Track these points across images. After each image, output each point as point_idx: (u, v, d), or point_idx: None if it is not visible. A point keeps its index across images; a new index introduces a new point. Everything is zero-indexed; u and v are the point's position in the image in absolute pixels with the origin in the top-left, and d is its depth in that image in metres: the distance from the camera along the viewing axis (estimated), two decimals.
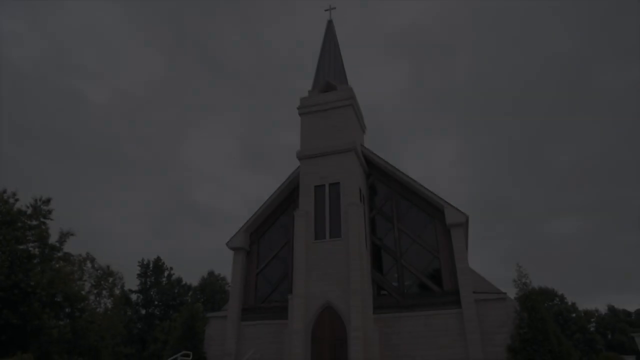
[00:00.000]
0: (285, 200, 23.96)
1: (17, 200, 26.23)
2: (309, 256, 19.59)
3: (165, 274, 50.26)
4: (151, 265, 49.37)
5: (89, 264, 34.27)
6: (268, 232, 23.84)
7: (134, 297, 47.46)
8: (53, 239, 27.11)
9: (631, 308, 70.02)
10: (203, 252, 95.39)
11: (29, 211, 26.18)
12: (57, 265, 26.87)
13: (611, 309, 66.85)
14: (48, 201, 26.85)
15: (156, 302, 48.45)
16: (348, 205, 19.83)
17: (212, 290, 50.11)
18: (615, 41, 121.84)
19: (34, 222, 26.45)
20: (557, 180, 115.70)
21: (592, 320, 64.54)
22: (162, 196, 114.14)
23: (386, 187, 22.68)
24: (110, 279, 35.24)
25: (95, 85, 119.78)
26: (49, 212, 27.01)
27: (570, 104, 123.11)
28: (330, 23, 27.75)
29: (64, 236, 27.07)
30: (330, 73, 24.76)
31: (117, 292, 39.44)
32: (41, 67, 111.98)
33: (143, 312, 47.72)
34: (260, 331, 21.29)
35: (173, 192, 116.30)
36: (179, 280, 50.81)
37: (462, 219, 20.09)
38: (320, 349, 17.82)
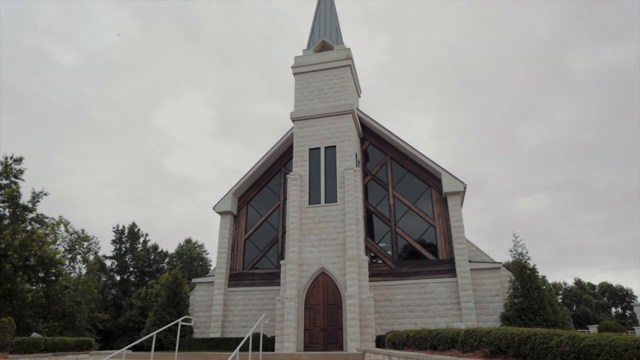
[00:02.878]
0: (275, 164, 23.08)
1: None
2: (302, 221, 18.87)
3: (141, 240, 48.83)
4: (126, 231, 47.82)
5: (62, 228, 32.73)
6: (256, 197, 22.99)
7: (108, 263, 46.06)
8: (25, 200, 25.46)
9: (590, 281, 73.45)
10: (176, 220, 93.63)
11: None
12: (30, 227, 25.34)
13: (578, 282, 69.51)
14: (20, 160, 25.02)
15: (131, 269, 47.19)
16: (345, 170, 19.08)
17: (189, 258, 49.14)
18: (589, 26, 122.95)
19: (4, 182, 24.69)
20: (527, 158, 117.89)
21: (560, 292, 67.01)
22: (134, 163, 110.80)
23: (381, 152, 22.03)
24: (85, 244, 33.78)
25: (62, 46, 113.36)
26: (21, 171, 25.24)
27: (543, 86, 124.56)
28: None
29: (36, 196, 25.40)
30: (326, 32, 23.53)
31: (91, 257, 38.10)
32: (2, 24, 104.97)
33: (118, 278, 46.46)
34: (249, 297, 20.71)
35: (145, 159, 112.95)
36: (155, 247, 49.51)
37: (459, 187, 19.69)
38: (314, 316, 17.34)
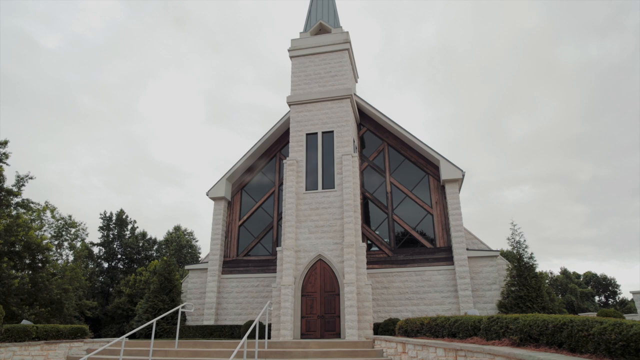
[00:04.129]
0: (270, 149, 22.63)
1: None
2: (299, 207, 18.52)
3: (129, 227, 48.12)
4: (114, 218, 47.04)
5: (48, 214, 31.93)
6: (251, 183, 22.54)
7: (95, 250, 45.32)
8: (9, 184, 24.60)
9: (574, 270, 74.92)
10: (163, 208, 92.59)
11: None
12: (15, 212, 24.56)
13: (564, 272, 70.67)
14: (5, 143, 24.07)
15: (119, 256, 46.54)
16: (343, 156, 18.72)
17: (179, 245, 48.58)
18: (576, 19, 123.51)
19: None
20: (513, 150, 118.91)
21: (547, 281, 68.00)
22: (120, 150, 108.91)
23: (378, 139, 21.71)
24: (73, 230, 33.02)
25: (45, 29, 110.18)
26: (6, 155, 24.34)
27: (530, 78, 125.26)
28: None
29: (21, 180, 24.57)
30: (323, 15, 22.96)
31: (78, 244, 37.34)
32: None
33: (105, 265, 45.79)
34: (243, 284, 20.38)
35: (132, 146, 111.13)
36: (144, 234, 48.85)
37: (457, 174, 19.49)
38: (311, 303, 17.07)
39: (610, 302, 71.77)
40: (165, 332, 18.35)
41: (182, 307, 12.10)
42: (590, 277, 73.48)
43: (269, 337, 16.98)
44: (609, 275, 75.04)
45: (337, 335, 16.41)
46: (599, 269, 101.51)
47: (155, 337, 17.21)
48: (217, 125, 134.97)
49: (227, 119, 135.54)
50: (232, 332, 18.19)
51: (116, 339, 8.59)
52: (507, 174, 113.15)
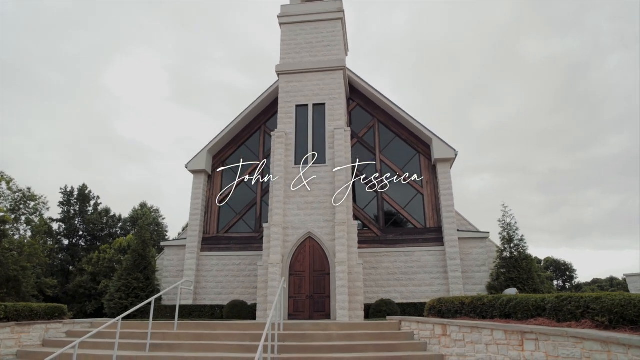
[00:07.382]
0: (255, 122, 21.40)
1: None
2: (288, 182, 17.50)
3: (92, 203, 45.65)
4: (76, 193, 44.43)
5: (4, 185, 29.47)
6: (233, 156, 21.28)
7: (55, 226, 42.69)
8: None
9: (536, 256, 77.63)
10: (126, 186, 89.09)
11: None
12: None
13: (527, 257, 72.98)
14: None
15: (81, 233, 44.13)
16: (335, 129, 17.77)
17: (145, 223, 46.53)
18: (542, 15, 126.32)
19: None
20: (476, 139, 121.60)
21: None
22: (80, 125, 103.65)
23: (369, 115, 20.87)
24: (32, 204, 30.64)
25: None
26: None
27: (496, 70, 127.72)
28: None
29: None
30: None
31: (36, 220, 34.88)
32: None
33: (66, 242, 43.32)
34: (224, 263, 19.29)
35: (93, 121, 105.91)
36: (107, 210, 46.49)
37: (450, 154, 18.98)
38: (299, 282, 16.24)
39: (567, 286, 74.85)
40: (139, 312, 17.07)
41: (183, 283, 10.95)
42: (551, 263, 76.23)
43: (254, 318, 16.10)
44: (567, 261, 78.19)
45: (327, 316, 15.69)
46: (554, 255, 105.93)
47: (130, 318, 15.95)
48: (182, 103, 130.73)
49: (193, 97, 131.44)
50: (213, 313, 17.17)
51: (112, 320, 7.44)
52: (470, 163, 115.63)
